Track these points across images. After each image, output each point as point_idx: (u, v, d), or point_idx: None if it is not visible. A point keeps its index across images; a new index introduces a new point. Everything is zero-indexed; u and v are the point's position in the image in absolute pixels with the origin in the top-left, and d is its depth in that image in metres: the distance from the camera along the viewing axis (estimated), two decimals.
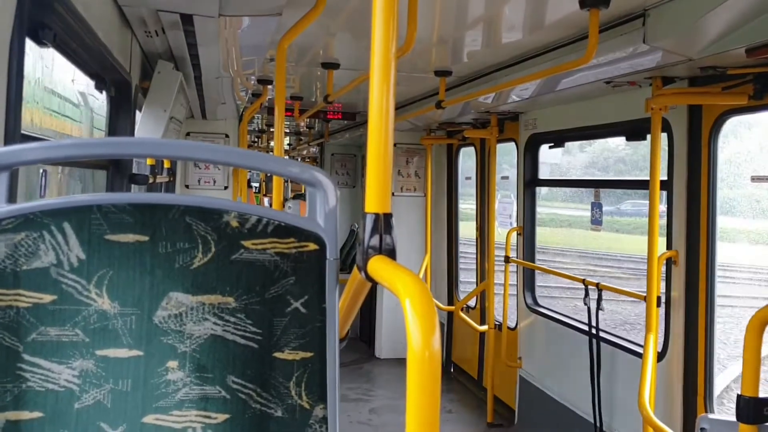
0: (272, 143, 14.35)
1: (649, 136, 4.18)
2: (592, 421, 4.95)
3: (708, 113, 4.08)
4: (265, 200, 17.86)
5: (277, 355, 1.37)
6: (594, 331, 4.98)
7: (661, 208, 4.19)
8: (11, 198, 1.35)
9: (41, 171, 2.63)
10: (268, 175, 16.68)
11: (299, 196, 15.08)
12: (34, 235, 1.31)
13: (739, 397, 2.55)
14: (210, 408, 1.34)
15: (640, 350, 4.41)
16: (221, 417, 1.34)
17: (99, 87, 3.21)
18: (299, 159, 16.24)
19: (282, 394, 1.37)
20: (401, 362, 8.43)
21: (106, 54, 2.80)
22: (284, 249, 1.38)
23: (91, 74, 3.12)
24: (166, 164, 5.57)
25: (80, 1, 2.25)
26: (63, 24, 2.23)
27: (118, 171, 3.56)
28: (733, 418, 2.63)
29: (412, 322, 0.96)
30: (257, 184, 18.35)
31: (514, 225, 6.63)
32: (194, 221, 1.36)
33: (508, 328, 6.61)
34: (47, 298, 1.31)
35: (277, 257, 1.38)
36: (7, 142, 1.67)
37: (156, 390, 1.33)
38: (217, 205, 1.37)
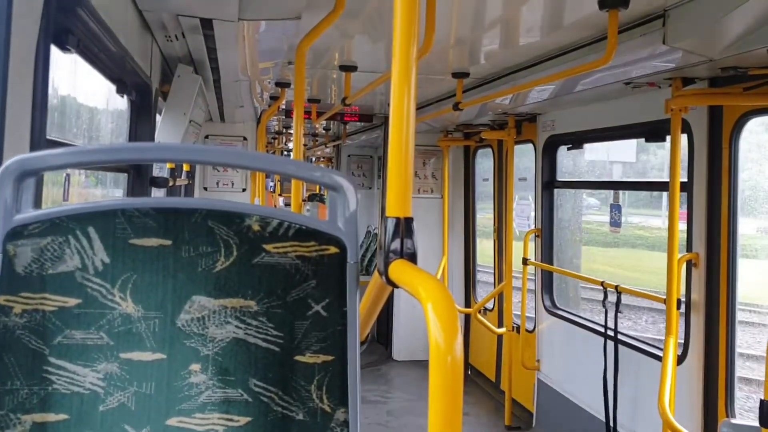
0: (289, 144, 14.41)
1: (668, 138, 4.15)
2: (611, 424, 4.91)
3: (729, 114, 4.04)
4: (280, 200, 17.91)
5: (299, 358, 1.38)
6: (613, 333, 4.95)
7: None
8: (36, 203, 1.37)
9: (65, 175, 2.66)
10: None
11: (314, 197, 15.12)
12: (59, 239, 1.33)
13: (762, 402, 2.53)
14: (232, 411, 1.35)
15: (659, 353, 4.38)
16: (243, 420, 1.35)
17: (120, 91, 3.25)
18: (313, 160, 16.29)
19: (303, 398, 1.37)
20: (418, 364, 8.42)
21: (127, 58, 2.83)
22: (305, 252, 1.39)
23: (112, 79, 3.16)
24: (186, 167, 5.62)
25: (102, 7, 2.28)
26: (86, 29, 2.26)
27: (138, 174, 3.60)
28: (756, 423, 2.60)
29: (434, 327, 0.96)
30: (272, 183, 18.42)
31: (532, 227, 6.60)
32: (216, 225, 1.37)
33: (527, 330, 6.58)
34: (72, 301, 1.33)
35: (298, 261, 1.39)
36: (32, 148, 1.69)
37: (179, 393, 1.34)
38: (239, 209, 1.39)
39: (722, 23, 3.02)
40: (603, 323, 5.07)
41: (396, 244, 1.28)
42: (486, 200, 8.52)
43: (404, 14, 1.27)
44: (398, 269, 1.24)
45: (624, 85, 4.38)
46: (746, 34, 3.09)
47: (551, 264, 6.32)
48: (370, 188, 10.99)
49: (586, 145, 5.85)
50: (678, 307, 4.09)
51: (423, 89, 6.44)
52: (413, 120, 1.27)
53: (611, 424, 4.89)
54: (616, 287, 4.90)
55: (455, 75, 5.38)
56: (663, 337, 4.13)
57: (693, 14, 3.22)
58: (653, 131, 4.62)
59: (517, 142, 6.66)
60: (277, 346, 1.37)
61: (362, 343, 1.52)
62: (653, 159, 15.09)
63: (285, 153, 14.51)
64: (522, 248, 6.46)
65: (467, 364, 8.36)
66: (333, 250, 1.40)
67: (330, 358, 1.39)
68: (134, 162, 3.29)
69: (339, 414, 1.38)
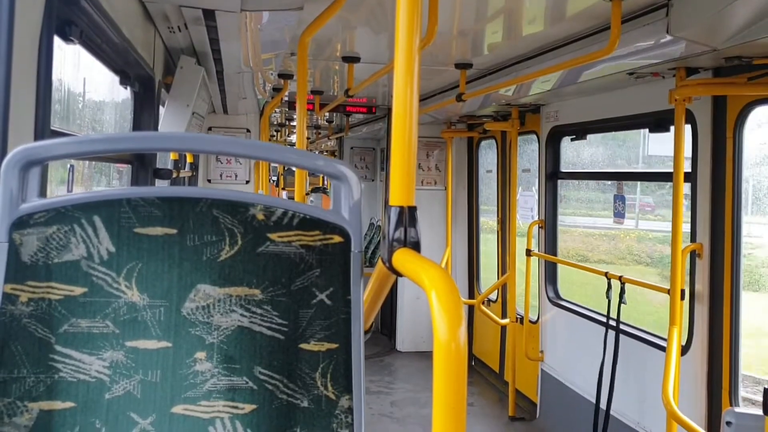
0: (292, 137, 14.40)
1: (672, 128, 4.14)
2: (614, 414, 4.93)
3: (733, 104, 4.03)
4: (283, 194, 17.92)
5: (303, 346, 1.39)
6: (616, 324, 4.96)
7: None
8: (42, 192, 1.37)
9: (69, 166, 2.67)
10: (286, 168, 16.79)
11: (317, 189, 15.12)
12: (65, 228, 1.34)
13: (766, 390, 2.53)
14: (237, 398, 1.36)
15: (663, 344, 4.38)
16: (248, 407, 1.36)
17: (123, 83, 3.25)
18: (316, 153, 16.27)
19: (308, 385, 1.38)
20: (422, 355, 8.45)
21: (130, 50, 2.83)
22: (309, 241, 1.40)
23: (115, 70, 3.16)
24: (189, 159, 5.63)
25: None
26: (89, 20, 2.26)
27: (142, 165, 3.60)
28: (760, 412, 2.61)
29: (438, 315, 0.97)
30: (275, 178, 18.41)
31: (536, 218, 6.60)
32: (221, 214, 1.38)
33: (530, 321, 6.60)
34: (78, 290, 1.33)
35: (303, 250, 1.39)
36: (36, 139, 1.70)
37: (184, 381, 1.35)
38: (243, 198, 1.39)
39: (726, 12, 3.01)
40: (606, 314, 5.08)
41: (399, 233, 1.28)
42: (489, 204, 8.32)
43: (407, 5, 1.26)
44: (402, 258, 1.24)
45: (628, 75, 4.37)
46: (750, 23, 3.07)
47: (554, 255, 6.32)
48: (373, 180, 10.99)
49: (651, 136, 5.58)
50: (682, 298, 4.09)
51: (426, 80, 6.43)
52: (416, 109, 1.27)
53: (606, 410, 4.90)
54: (620, 278, 4.90)
55: (458, 66, 5.36)
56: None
57: (697, 3, 3.20)
58: (657, 122, 4.61)
59: (521, 133, 6.65)
60: (282, 334, 1.38)
61: (366, 333, 1.52)
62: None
63: (288, 145, 14.51)
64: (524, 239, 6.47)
65: (471, 355, 8.37)
66: (337, 239, 1.41)
67: (334, 345, 1.39)
68: (138, 151, 3.29)
69: (343, 401, 1.39)
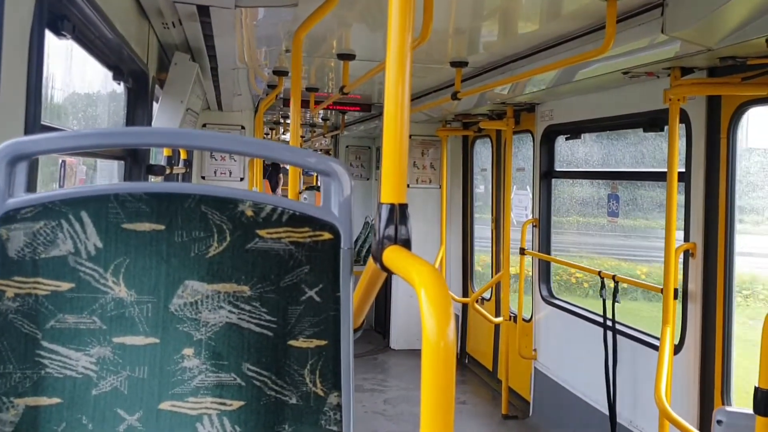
0: (287, 135, 14.36)
1: (667, 128, 4.15)
2: (607, 413, 4.93)
3: (727, 104, 4.03)
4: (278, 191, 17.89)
5: (292, 343, 1.38)
6: (610, 323, 4.96)
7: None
8: (30, 187, 1.36)
9: (60, 162, 2.65)
10: (281, 167, 16.72)
11: (311, 188, 15.11)
12: (52, 223, 1.33)
13: (756, 389, 2.54)
14: (225, 395, 1.35)
15: (656, 343, 4.39)
16: (236, 404, 1.36)
17: (117, 78, 3.23)
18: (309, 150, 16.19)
19: (296, 382, 1.38)
20: (416, 353, 8.44)
21: (124, 46, 2.82)
22: (299, 238, 1.39)
23: (109, 66, 3.15)
24: (183, 155, 5.61)
25: None
26: (82, 15, 2.25)
27: (135, 162, 3.59)
28: (751, 411, 2.62)
29: (427, 312, 0.96)
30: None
31: (530, 217, 6.61)
32: (210, 210, 1.37)
33: (523, 320, 6.60)
34: (65, 285, 1.33)
35: (292, 246, 1.39)
36: (27, 134, 1.68)
37: (172, 377, 1.34)
38: (232, 195, 1.38)
39: (721, 13, 3.01)
40: (601, 313, 5.08)
41: (390, 230, 1.28)
42: (485, 220, 8.19)
43: (399, 2, 1.26)
44: (392, 255, 1.24)
45: (622, 74, 4.37)
46: (745, 23, 3.08)
47: (548, 254, 6.33)
48: (368, 179, 10.97)
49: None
50: (675, 297, 4.10)
51: (421, 79, 6.42)
52: (408, 107, 1.26)
53: (614, 413, 4.90)
54: (614, 277, 4.91)
55: (453, 64, 5.36)
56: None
57: (692, 3, 3.20)
58: (652, 121, 4.62)
59: (516, 132, 6.65)
60: (271, 330, 1.38)
61: (357, 331, 1.52)
62: None
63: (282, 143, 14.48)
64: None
65: (465, 353, 8.38)
66: (327, 236, 1.40)
67: (323, 342, 1.39)
68: (129, 146, 3.28)
69: (332, 398, 1.39)
